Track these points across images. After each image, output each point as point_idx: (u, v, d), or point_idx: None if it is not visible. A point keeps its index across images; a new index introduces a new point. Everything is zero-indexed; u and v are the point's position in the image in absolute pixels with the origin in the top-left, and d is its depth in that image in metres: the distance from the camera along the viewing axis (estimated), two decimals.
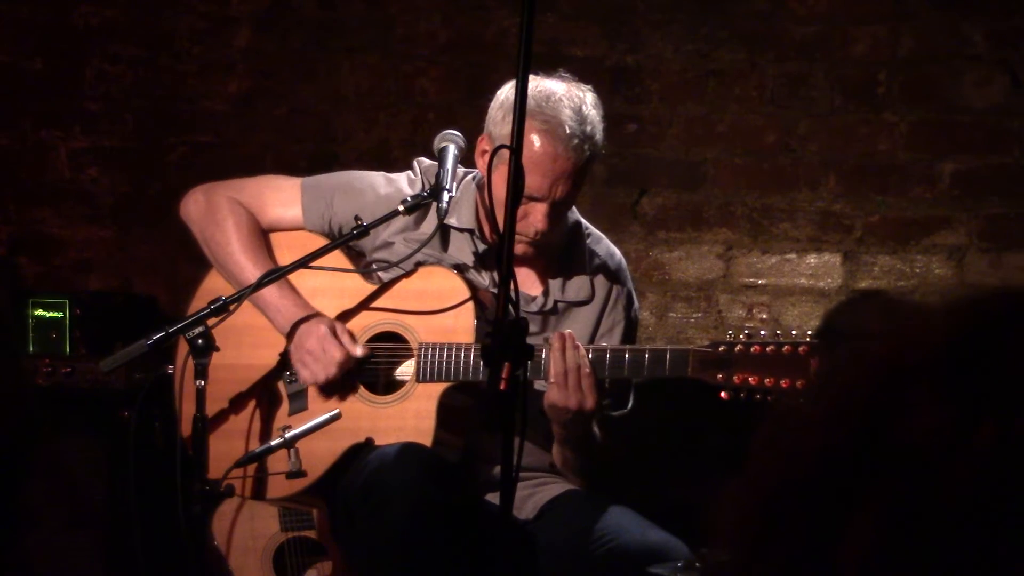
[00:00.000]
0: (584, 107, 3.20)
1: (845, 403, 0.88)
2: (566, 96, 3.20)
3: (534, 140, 3.15)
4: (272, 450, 3.17)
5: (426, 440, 3.18)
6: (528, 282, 3.31)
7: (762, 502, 0.89)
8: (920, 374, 0.85)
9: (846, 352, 0.93)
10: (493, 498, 3.21)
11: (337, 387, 3.28)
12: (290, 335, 3.27)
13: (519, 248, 3.15)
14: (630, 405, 3.38)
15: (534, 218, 3.19)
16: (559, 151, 3.16)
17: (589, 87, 3.27)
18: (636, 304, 3.48)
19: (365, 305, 3.32)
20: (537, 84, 3.18)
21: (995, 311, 0.87)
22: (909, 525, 0.82)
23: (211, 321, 3.08)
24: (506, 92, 3.25)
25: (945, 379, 0.84)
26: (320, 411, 3.24)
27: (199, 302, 3.28)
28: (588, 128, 3.19)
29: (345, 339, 3.24)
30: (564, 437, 3.24)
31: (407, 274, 3.30)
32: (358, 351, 3.24)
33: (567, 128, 3.16)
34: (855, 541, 0.83)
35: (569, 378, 3.05)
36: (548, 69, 3.29)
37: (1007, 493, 0.80)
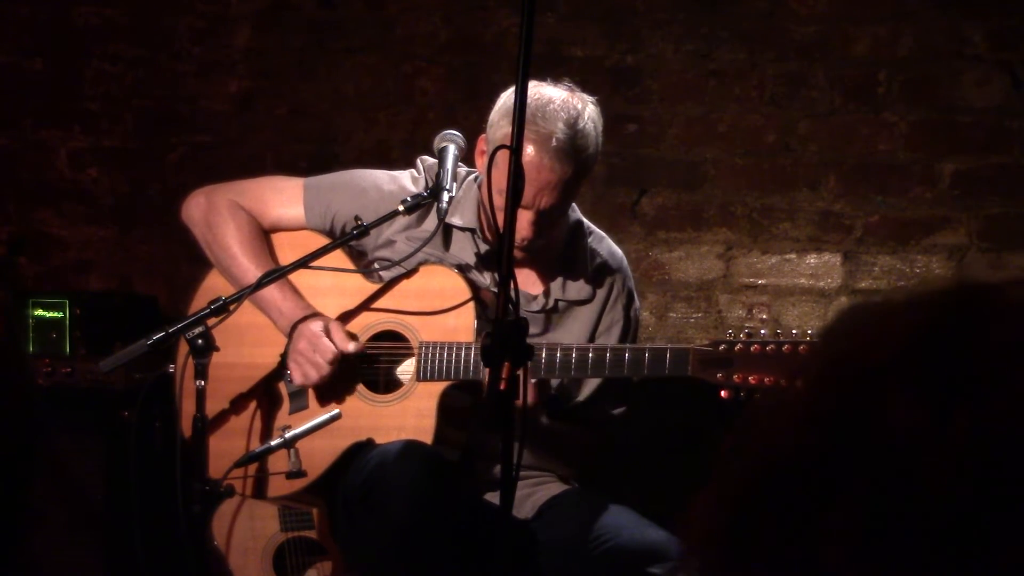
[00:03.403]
0: (580, 120, 3.16)
1: (815, 405, 0.87)
2: (562, 107, 3.15)
3: (524, 147, 3.14)
4: (272, 450, 3.16)
5: (427, 439, 3.18)
6: (529, 281, 3.31)
7: (736, 510, 0.88)
8: (888, 371, 0.85)
9: (811, 353, 0.92)
10: (493, 497, 3.21)
11: (335, 386, 3.27)
12: (291, 335, 3.27)
13: None
14: (626, 404, 3.38)
15: (520, 225, 3.18)
16: (544, 162, 3.13)
17: (592, 99, 3.22)
18: (637, 303, 3.48)
19: (366, 304, 3.31)
20: (537, 90, 3.14)
21: (955, 303, 0.87)
22: (891, 522, 0.81)
23: (211, 321, 3.08)
24: (506, 95, 3.24)
25: (913, 374, 0.84)
26: (321, 410, 3.24)
27: (200, 301, 3.28)
28: (580, 142, 3.15)
29: (337, 337, 3.22)
30: None
31: (408, 273, 3.29)
32: (350, 347, 3.22)
33: (554, 140, 3.13)
34: (836, 542, 0.82)
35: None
36: (548, 69, 3.27)
37: (986, 481, 0.80)
